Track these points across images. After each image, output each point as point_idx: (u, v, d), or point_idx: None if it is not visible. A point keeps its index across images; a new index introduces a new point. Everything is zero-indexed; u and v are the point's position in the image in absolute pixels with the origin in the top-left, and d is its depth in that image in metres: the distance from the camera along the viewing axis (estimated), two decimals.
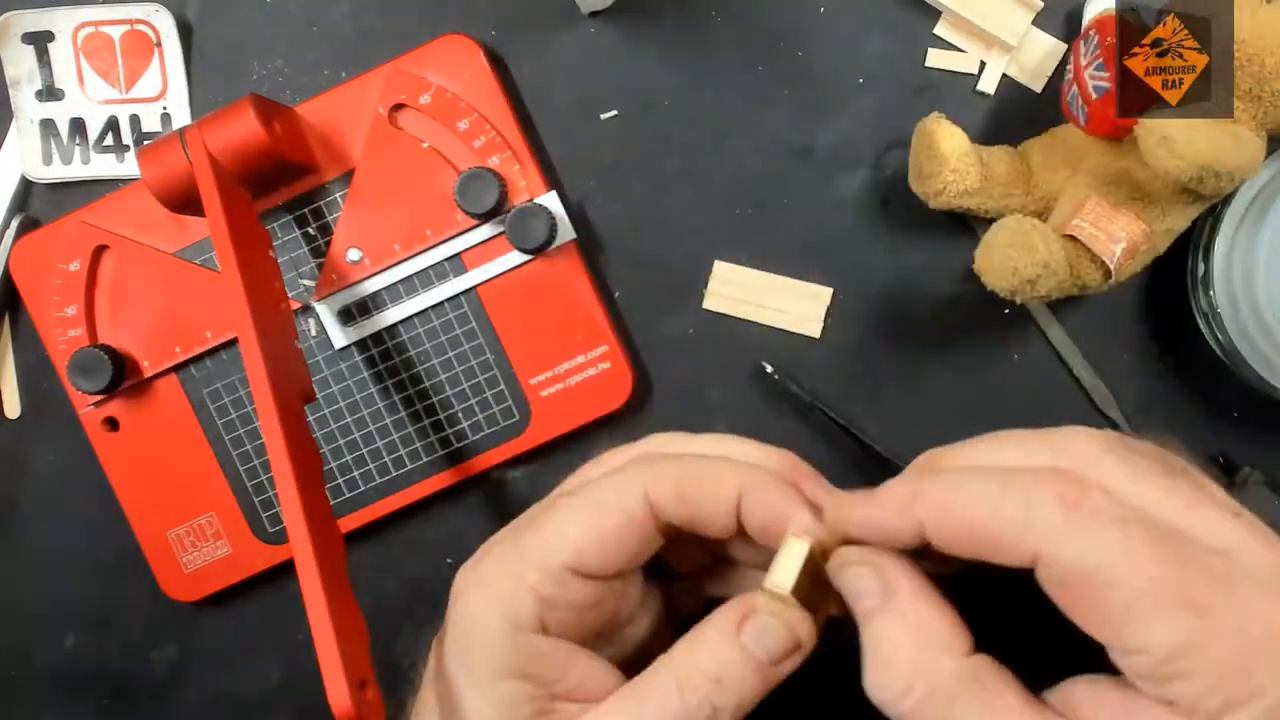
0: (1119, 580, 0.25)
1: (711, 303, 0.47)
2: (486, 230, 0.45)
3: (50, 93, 0.48)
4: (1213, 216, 0.42)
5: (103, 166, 0.48)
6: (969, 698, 0.26)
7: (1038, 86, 0.45)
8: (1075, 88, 0.40)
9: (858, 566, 0.29)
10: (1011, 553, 0.26)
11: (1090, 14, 0.44)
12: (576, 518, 0.31)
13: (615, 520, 0.31)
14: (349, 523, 0.47)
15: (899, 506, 0.28)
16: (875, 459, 0.45)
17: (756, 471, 0.31)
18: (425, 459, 0.46)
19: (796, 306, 0.46)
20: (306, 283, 0.46)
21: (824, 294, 0.46)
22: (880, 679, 0.27)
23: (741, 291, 0.46)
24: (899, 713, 0.27)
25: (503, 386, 0.46)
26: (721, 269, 0.46)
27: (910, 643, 0.27)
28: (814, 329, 0.46)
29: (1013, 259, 0.39)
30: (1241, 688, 0.24)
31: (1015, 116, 0.45)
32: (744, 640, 0.29)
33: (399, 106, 0.45)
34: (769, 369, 0.45)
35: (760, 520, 0.30)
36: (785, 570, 0.30)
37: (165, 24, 0.47)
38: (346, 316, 0.46)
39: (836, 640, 0.30)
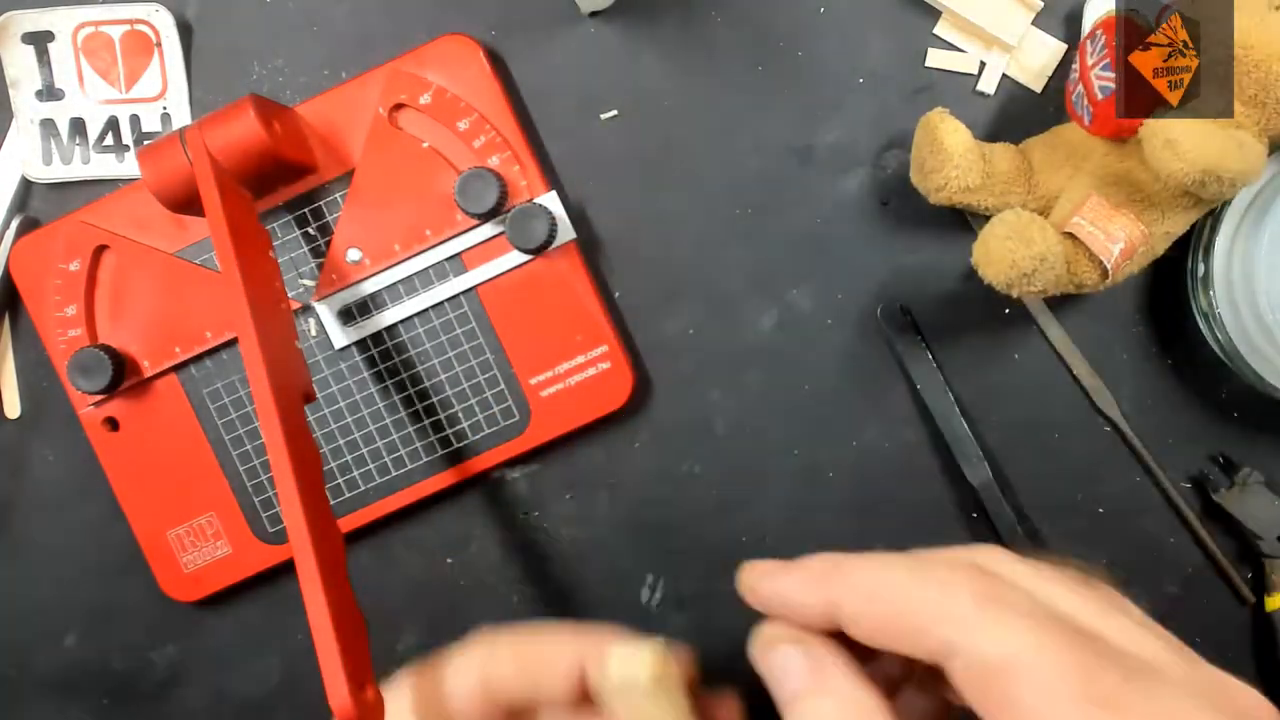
0: (1031, 673, 0.24)
1: None
2: (486, 230, 0.45)
3: (50, 93, 0.48)
4: (1213, 217, 0.42)
5: (103, 166, 0.48)
6: None
7: (1038, 87, 0.45)
8: (1081, 87, 0.40)
9: (786, 645, 0.27)
10: (924, 641, 0.26)
11: (1090, 14, 0.44)
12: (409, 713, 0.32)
13: (454, 707, 0.31)
14: (349, 523, 0.47)
15: (814, 580, 0.28)
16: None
17: (594, 632, 0.32)
18: (425, 459, 0.46)
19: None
20: (306, 283, 0.46)
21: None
22: None
23: None
24: None
25: (503, 386, 0.46)
26: None
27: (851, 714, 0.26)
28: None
29: (1010, 251, 0.39)
30: None
31: (1015, 117, 0.45)
32: None
33: (399, 106, 0.45)
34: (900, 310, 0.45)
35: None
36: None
37: (165, 24, 0.47)
38: (346, 316, 0.46)
39: None
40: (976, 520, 0.47)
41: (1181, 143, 0.36)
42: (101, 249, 0.46)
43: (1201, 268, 0.43)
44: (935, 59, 0.46)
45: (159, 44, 0.47)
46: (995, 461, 0.46)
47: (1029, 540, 0.46)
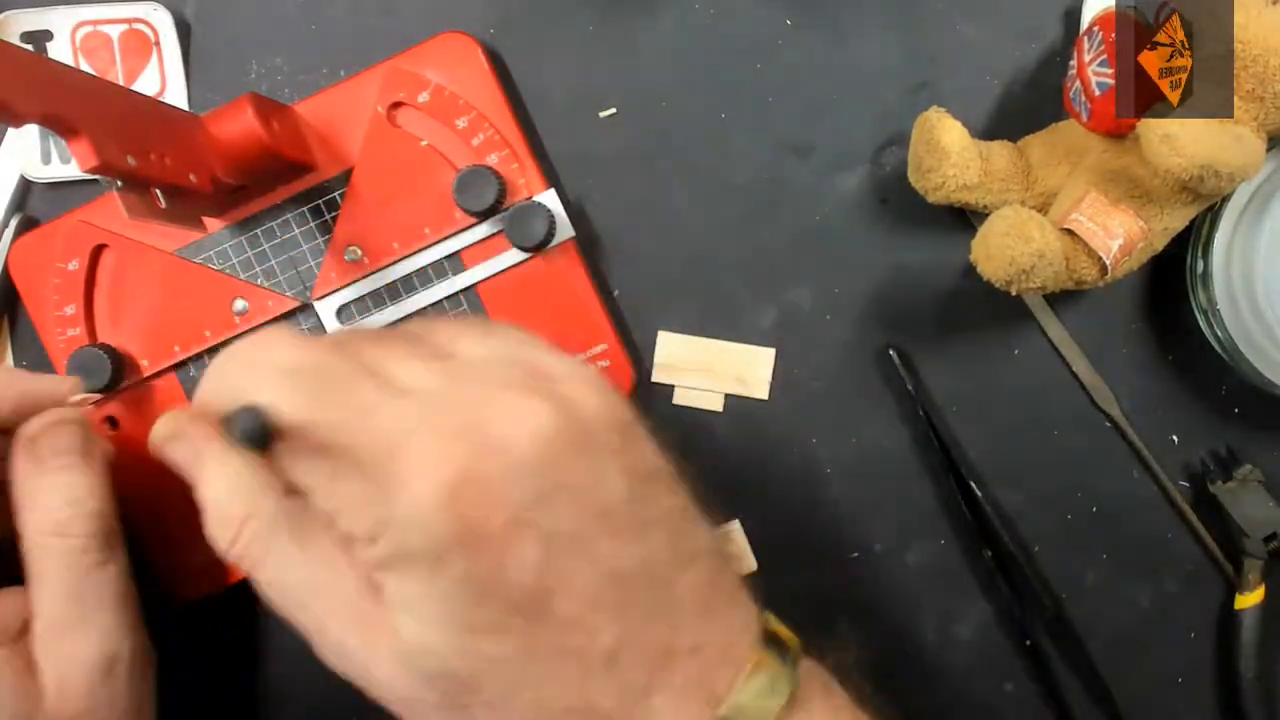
0: None
1: (660, 375, 0.47)
2: (485, 228, 0.45)
3: None
4: (1212, 213, 0.42)
5: None
6: (287, 528, 0.31)
7: None
8: (1078, 83, 0.40)
9: (173, 441, 0.33)
10: None
11: (1088, 11, 0.44)
12: None
13: None
14: None
15: None
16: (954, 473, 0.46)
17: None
18: None
19: (744, 373, 0.46)
20: (306, 281, 0.46)
21: (767, 355, 0.46)
22: (216, 522, 0.32)
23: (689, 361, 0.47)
24: (235, 552, 0.32)
25: None
26: (666, 339, 0.47)
27: (235, 487, 0.31)
28: (761, 391, 0.46)
29: (1009, 248, 0.39)
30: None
31: (1013, 114, 0.45)
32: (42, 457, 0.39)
33: (397, 105, 0.45)
34: (894, 355, 0.46)
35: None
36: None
37: (164, 23, 0.47)
38: (346, 315, 0.46)
39: None
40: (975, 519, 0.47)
41: (1179, 138, 0.36)
42: (101, 248, 0.46)
43: (1201, 264, 0.43)
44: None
45: (157, 43, 0.47)
46: (994, 460, 0.46)
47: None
